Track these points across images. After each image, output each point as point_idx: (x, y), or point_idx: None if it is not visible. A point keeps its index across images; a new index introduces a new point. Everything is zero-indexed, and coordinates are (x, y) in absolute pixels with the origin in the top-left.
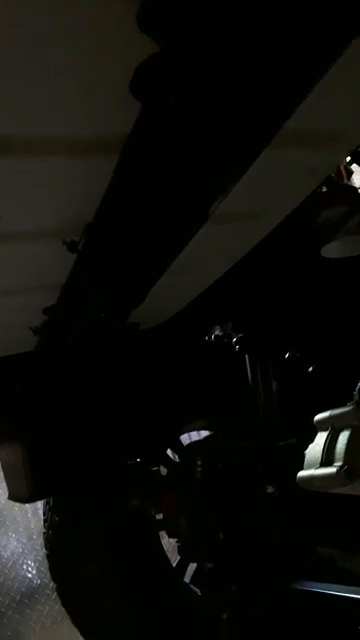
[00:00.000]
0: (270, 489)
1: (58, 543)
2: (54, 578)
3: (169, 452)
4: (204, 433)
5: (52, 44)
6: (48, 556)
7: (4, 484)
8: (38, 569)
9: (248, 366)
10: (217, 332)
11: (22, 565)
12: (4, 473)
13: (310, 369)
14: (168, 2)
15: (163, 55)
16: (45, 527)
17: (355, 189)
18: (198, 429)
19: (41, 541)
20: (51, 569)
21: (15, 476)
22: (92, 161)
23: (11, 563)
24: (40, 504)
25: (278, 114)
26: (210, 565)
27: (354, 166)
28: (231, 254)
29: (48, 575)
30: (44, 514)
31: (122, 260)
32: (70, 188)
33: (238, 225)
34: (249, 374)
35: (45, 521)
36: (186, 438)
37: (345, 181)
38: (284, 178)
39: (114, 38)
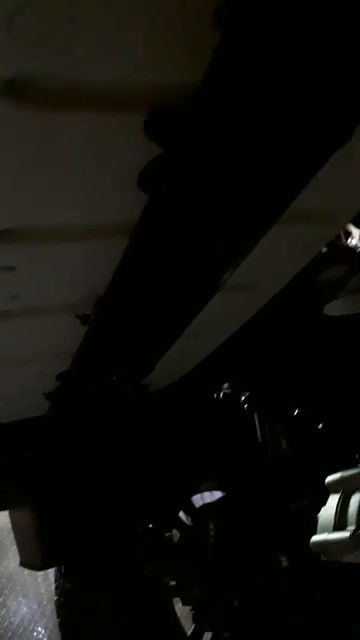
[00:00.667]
0: (284, 561)
1: (70, 611)
2: None
3: (181, 514)
4: (217, 494)
5: (72, 150)
6: (60, 624)
7: (14, 547)
8: (49, 637)
9: (257, 424)
10: (225, 390)
11: (32, 632)
12: (16, 539)
13: (320, 426)
14: (169, 115)
15: (165, 157)
16: (57, 594)
17: (354, 250)
18: (210, 489)
19: (51, 607)
20: (63, 636)
21: (26, 543)
22: (104, 243)
23: (21, 630)
24: (51, 569)
25: (270, 213)
26: (226, 634)
27: (351, 227)
28: (236, 319)
29: None
30: (55, 581)
31: (131, 333)
32: (83, 267)
33: (241, 294)
34: (258, 433)
35: (57, 588)
36: (199, 499)
37: (344, 242)
38: (281, 252)
39: (124, 143)
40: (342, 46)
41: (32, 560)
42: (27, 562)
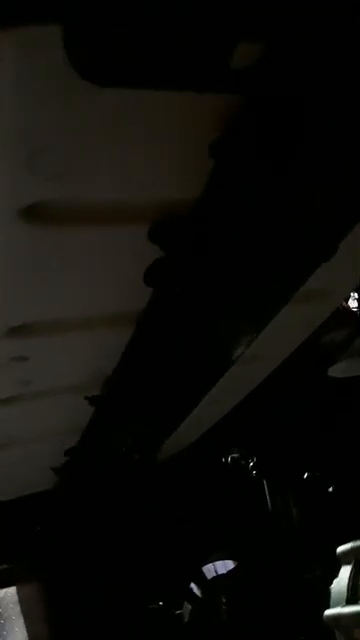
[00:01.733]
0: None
1: None
2: None
3: (193, 586)
4: (229, 564)
5: (83, 257)
6: None
7: (20, 621)
8: None
9: (267, 490)
10: (233, 456)
11: None
12: (24, 615)
13: (330, 489)
14: (171, 225)
15: (168, 259)
16: None
17: (354, 313)
18: (221, 559)
19: None
20: None
21: (35, 618)
22: (112, 331)
23: None
24: None
25: (266, 310)
26: None
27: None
28: (242, 389)
29: None
30: None
31: (138, 413)
32: (92, 353)
33: (245, 367)
34: (268, 500)
35: None
36: (210, 568)
37: (344, 305)
38: (283, 329)
39: (131, 248)
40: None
41: (41, 636)
42: (35, 638)
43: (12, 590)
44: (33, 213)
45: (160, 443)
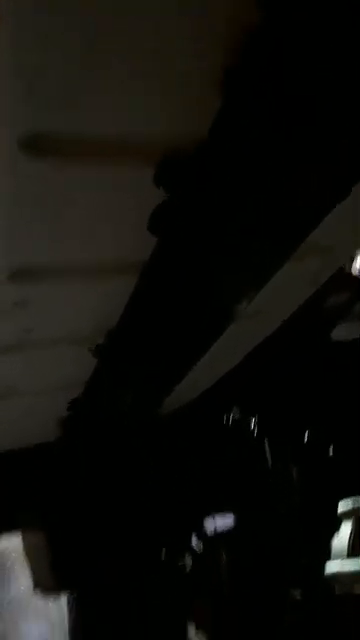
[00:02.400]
0: (298, 595)
1: (83, 636)
2: None
3: (194, 540)
4: (229, 519)
5: (85, 197)
6: None
7: (25, 570)
8: None
9: (267, 450)
10: (235, 415)
11: None
12: (28, 562)
13: (331, 449)
14: (177, 165)
15: (173, 202)
16: (69, 621)
17: (355, 277)
18: (219, 515)
19: (63, 632)
20: None
21: (39, 566)
22: (114, 280)
23: None
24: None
25: (273, 256)
26: None
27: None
28: (244, 346)
29: None
30: (68, 603)
31: (141, 365)
32: (94, 302)
33: (249, 322)
34: (268, 458)
35: (70, 612)
36: (210, 522)
37: (347, 269)
38: (288, 284)
39: (135, 190)
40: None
41: (44, 584)
42: (39, 586)
43: (16, 540)
44: (34, 145)
45: (162, 397)
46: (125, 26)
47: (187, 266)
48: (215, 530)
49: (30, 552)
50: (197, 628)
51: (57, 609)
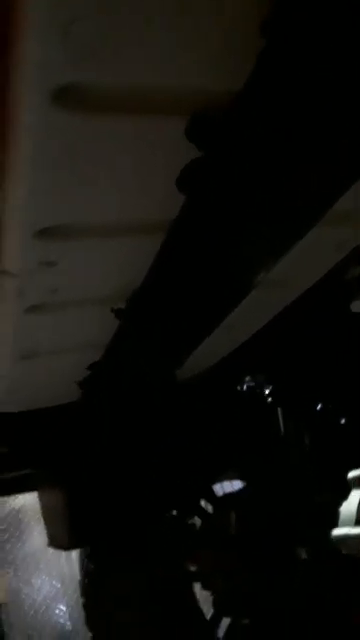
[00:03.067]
0: (303, 554)
1: (94, 592)
2: (90, 627)
3: (203, 503)
4: (237, 483)
5: (115, 151)
6: (84, 604)
7: (39, 527)
8: (70, 614)
9: (280, 418)
10: (249, 383)
11: (54, 610)
12: (44, 519)
13: (343, 421)
14: (211, 120)
15: (205, 159)
16: (81, 575)
17: None
18: (231, 479)
19: (73, 586)
20: (87, 617)
21: (55, 523)
22: (140, 240)
23: (44, 607)
24: (74, 551)
25: (306, 217)
26: (245, 621)
27: None
28: (266, 313)
29: (79, 622)
30: (81, 561)
31: (164, 326)
32: (120, 263)
33: (272, 290)
34: (281, 426)
35: (81, 568)
36: (219, 488)
37: None
38: (315, 251)
39: (165, 145)
40: None
41: (60, 540)
42: (54, 542)
43: (31, 499)
44: (65, 96)
45: (181, 359)
46: None
47: (214, 226)
48: (225, 493)
49: (47, 510)
50: (204, 587)
51: (68, 565)
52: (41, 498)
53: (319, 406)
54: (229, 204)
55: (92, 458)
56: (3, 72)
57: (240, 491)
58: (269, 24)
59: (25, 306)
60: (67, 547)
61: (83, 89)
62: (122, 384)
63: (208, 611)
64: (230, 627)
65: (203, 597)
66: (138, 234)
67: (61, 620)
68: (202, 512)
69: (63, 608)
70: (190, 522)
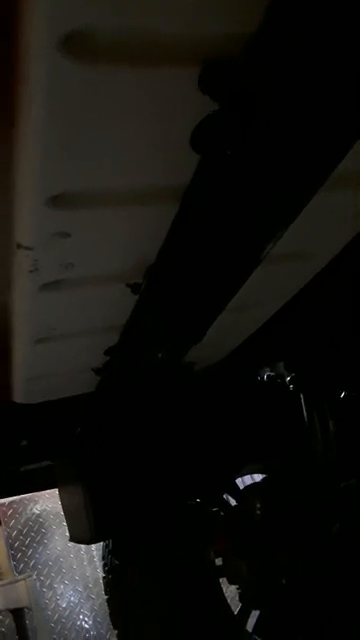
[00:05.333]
0: (335, 527)
1: (118, 588)
2: (114, 623)
3: (225, 496)
4: (258, 477)
5: (123, 106)
6: (108, 601)
7: (61, 531)
8: (94, 619)
9: (303, 406)
10: (270, 372)
11: (79, 614)
12: (65, 515)
13: None
14: (225, 67)
15: (221, 113)
16: (104, 572)
17: None
18: (252, 473)
19: (97, 590)
20: (111, 614)
21: (77, 518)
22: (155, 209)
23: (68, 612)
24: (96, 552)
25: (323, 168)
26: (274, 613)
27: None
28: (284, 291)
29: (104, 626)
30: (103, 558)
31: (181, 300)
32: (135, 235)
33: (289, 264)
34: (305, 414)
35: (105, 565)
36: (240, 483)
37: None
38: (332, 219)
39: (177, 98)
40: None
41: (82, 534)
42: (76, 537)
43: (52, 503)
44: (73, 43)
45: (199, 337)
46: None
47: (231, 188)
48: (248, 484)
49: (67, 504)
50: (230, 581)
51: (91, 569)
52: (62, 493)
53: (342, 393)
54: (248, 161)
55: (112, 449)
56: (10, 22)
57: (263, 481)
58: None
59: (40, 283)
60: (89, 541)
61: (88, 37)
62: (140, 370)
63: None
64: (259, 620)
65: (232, 594)
66: (152, 202)
67: (85, 625)
68: (225, 504)
69: (87, 613)
70: (214, 511)
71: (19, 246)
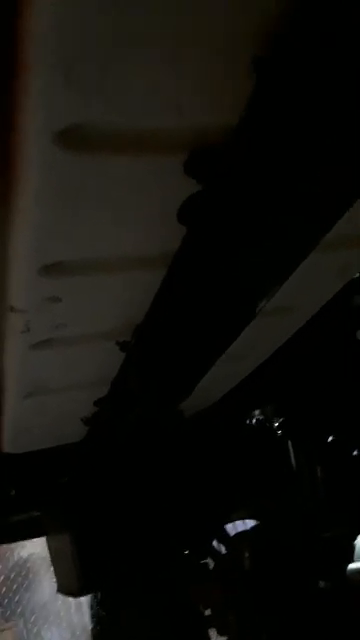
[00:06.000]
0: (322, 584)
1: (106, 639)
2: None
3: (215, 543)
4: (250, 523)
5: (115, 189)
6: None
7: (48, 576)
8: None
9: (291, 451)
10: (258, 416)
11: None
12: (53, 565)
13: (355, 452)
14: (208, 155)
15: (204, 193)
16: (92, 622)
17: None
18: (243, 518)
19: (85, 637)
20: None
21: (64, 568)
22: (144, 273)
23: None
24: (84, 599)
25: (306, 243)
26: None
27: None
28: (271, 343)
29: None
30: (91, 608)
31: (168, 358)
32: (124, 297)
33: (275, 318)
34: (292, 459)
35: (92, 616)
36: (231, 528)
37: None
38: (317, 278)
39: (165, 181)
40: None
41: (69, 586)
42: (64, 588)
43: (39, 548)
44: (68, 136)
45: (188, 392)
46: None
47: (215, 256)
48: (238, 532)
49: (56, 555)
50: (219, 632)
51: (78, 615)
52: (49, 543)
53: (330, 438)
54: (230, 234)
55: (100, 499)
56: (8, 114)
57: (252, 529)
58: (261, 62)
59: (31, 342)
60: (77, 593)
61: (84, 130)
62: (128, 420)
63: None
64: None
65: None
66: (141, 268)
67: None
68: (215, 553)
69: None
70: (203, 563)
71: (12, 309)
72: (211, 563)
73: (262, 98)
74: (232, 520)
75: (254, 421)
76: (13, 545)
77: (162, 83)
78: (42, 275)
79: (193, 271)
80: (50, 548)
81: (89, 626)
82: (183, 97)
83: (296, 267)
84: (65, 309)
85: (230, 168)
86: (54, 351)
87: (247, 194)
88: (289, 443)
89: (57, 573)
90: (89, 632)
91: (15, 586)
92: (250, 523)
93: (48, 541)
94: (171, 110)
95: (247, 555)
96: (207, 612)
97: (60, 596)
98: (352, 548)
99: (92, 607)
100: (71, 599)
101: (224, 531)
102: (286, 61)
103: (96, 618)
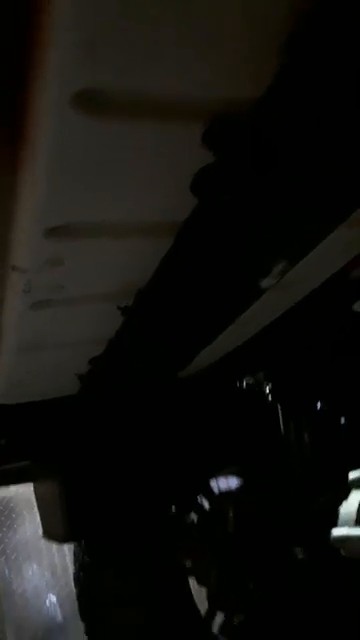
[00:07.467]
0: (300, 554)
1: (89, 584)
2: (83, 618)
3: (200, 498)
4: (233, 480)
5: (131, 155)
6: (78, 596)
7: (30, 516)
8: (61, 606)
9: (280, 416)
10: (249, 381)
11: (45, 600)
12: (39, 510)
13: (342, 421)
14: (228, 126)
15: (219, 164)
16: (76, 568)
17: None
18: (227, 475)
19: (65, 578)
20: (80, 609)
21: (50, 515)
22: (149, 240)
23: (35, 597)
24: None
25: (319, 225)
26: (239, 617)
27: None
28: (270, 314)
29: (70, 613)
30: (75, 554)
31: (168, 327)
32: (127, 262)
33: (278, 292)
34: (281, 424)
35: (76, 561)
36: (214, 484)
37: None
38: (322, 254)
39: (181, 149)
40: None
41: (54, 532)
42: (49, 534)
43: (23, 488)
44: (85, 100)
45: (187, 362)
46: None
47: (225, 231)
48: (223, 489)
49: (42, 501)
50: (199, 582)
51: (60, 555)
52: (37, 489)
53: (319, 405)
54: (242, 208)
55: (90, 452)
56: (26, 77)
57: (238, 488)
58: (293, 39)
59: (30, 302)
60: (62, 540)
61: (104, 95)
62: (122, 380)
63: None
64: (224, 623)
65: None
66: (148, 235)
67: (52, 611)
68: (199, 508)
69: (54, 599)
70: (187, 518)
71: (14, 268)
72: (195, 517)
73: (294, 71)
74: (216, 477)
75: (245, 385)
76: None
77: (188, 58)
78: (47, 237)
79: (202, 242)
80: (37, 494)
81: (70, 567)
82: (209, 71)
83: (312, 248)
84: (67, 271)
85: (247, 142)
86: (53, 311)
87: (266, 167)
88: (278, 408)
89: (43, 518)
90: (70, 573)
91: None
92: (233, 480)
93: (35, 488)
94: (196, 82)
95: (231, 515)
96: (188, 563)
97: None
98: (336, 514)
99: (75, 553)
100: None
101: (210, 487)
102: (319, 36)
103: (79, 564)
